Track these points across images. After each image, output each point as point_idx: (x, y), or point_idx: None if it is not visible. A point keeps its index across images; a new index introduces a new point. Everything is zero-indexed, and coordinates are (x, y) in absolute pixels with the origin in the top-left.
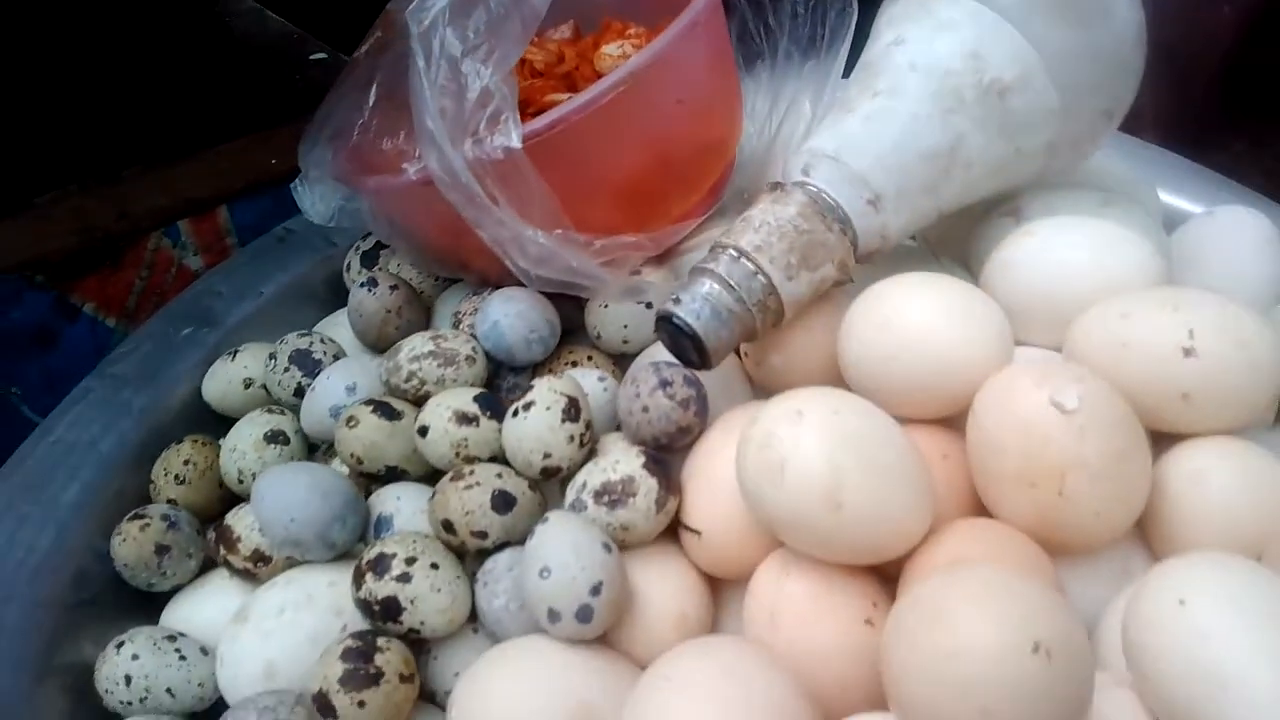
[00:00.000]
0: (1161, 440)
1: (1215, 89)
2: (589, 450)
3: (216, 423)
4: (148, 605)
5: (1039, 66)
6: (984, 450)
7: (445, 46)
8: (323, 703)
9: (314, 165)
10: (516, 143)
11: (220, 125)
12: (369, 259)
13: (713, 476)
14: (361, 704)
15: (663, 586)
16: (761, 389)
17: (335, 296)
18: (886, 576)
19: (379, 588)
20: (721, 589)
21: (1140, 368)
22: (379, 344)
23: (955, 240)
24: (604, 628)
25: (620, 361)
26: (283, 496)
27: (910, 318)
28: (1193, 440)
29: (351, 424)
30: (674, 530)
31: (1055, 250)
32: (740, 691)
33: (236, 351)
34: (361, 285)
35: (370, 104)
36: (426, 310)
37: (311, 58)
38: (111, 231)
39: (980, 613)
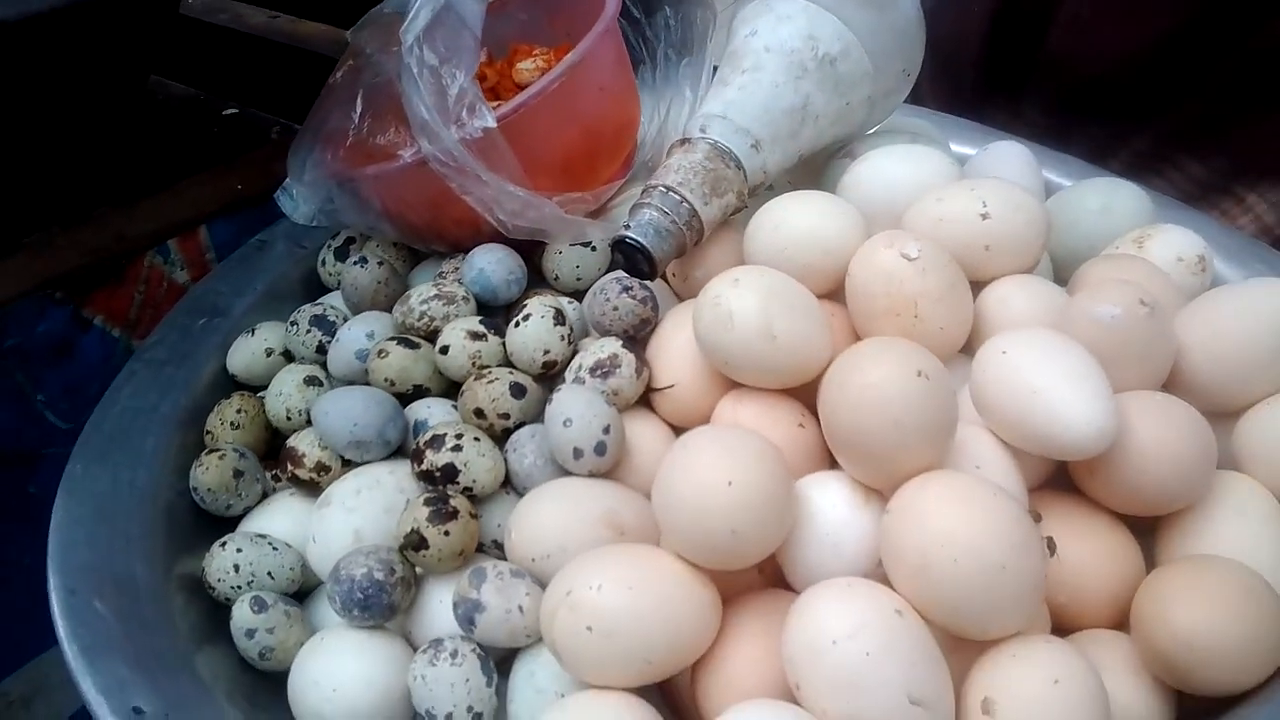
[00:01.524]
0: (976, 288)
1: (979, 71)
2: (573, 348)
3: (238, 390)
4: (221, 531)
5: (855, 41)
6: (860, 297)
7: (425, 59)
8: (416, 539)
9: (310, 168)
10: (492, 123)
11: (163, 169)
12: (341, 253)
13: (670, 351)
14: (446, 533)
15: (646, 435)
16: (686, 298)
17: (310, 288)
18: (807, 404)
19: (438, 458)
20: None
21: (955, 231)
22: (370, 310)
23: (810, 183)
24: (614, 460)
25: (575, 297)
26: (345, 408)
27: (795, 220)
28: (997, 280)
29: (383, 355)
30: (645, 400)
31: (884, 169)
32: (734, 440)
33: (254, 329)
34: (354, 264)
35: (359, 112)
36: (403, 282)
37: (224, 113)
38: (113, 252)
39: (881, 357)
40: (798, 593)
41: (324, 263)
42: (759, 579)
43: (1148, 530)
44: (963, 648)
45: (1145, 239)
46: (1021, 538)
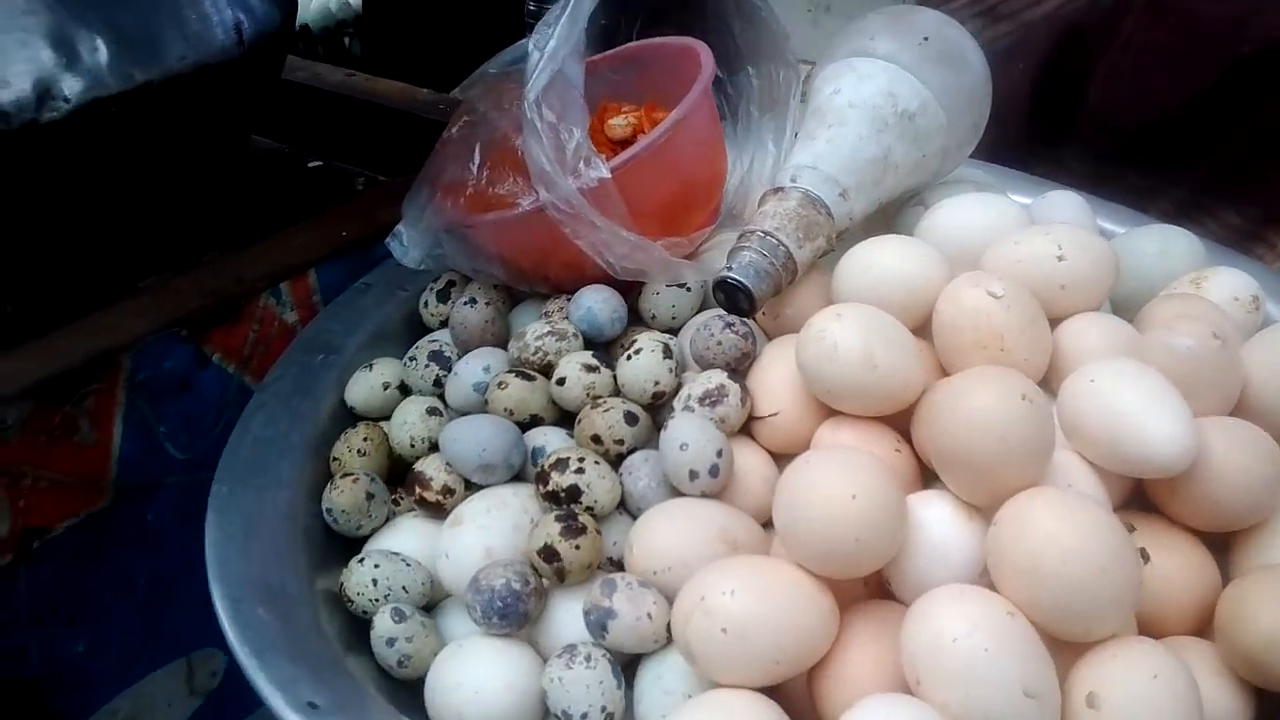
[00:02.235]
0: (1051, 324)
1: (1024, 124)
2: (679, 380)
3: (355, 422)
4: (350, 553)
5: (931, 98)
6: (948, 331)
7: (545, 117)
8: (549, 552)
9: (428, 215)
10: (607, 174)
11: (264, 218)
12: (442, 295)
13: (768, 383)
14: (577, 547)
15: (748, 460)
16: (775, 335)
17: (412, 329)
18: (900, 430)
19: (563, 479)
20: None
21: (1032, 271)
22: (479, 347)
23: (882, 229)
24: (725, 481)
25: (670, 334)
26: (474, 435)
27: (883, 261)
28: (1072, 316)
29: (502, 386)
30: (744, 429)
31: (959, 215)
32: (853, 459)
33: (371, 364)
34: (464, 304)
35: (477, 164)
36: (506, 321)
37: (309, 165)
38: (231, 294)
39: (988, 383)
40: (903, 603)
41: (426, 304)
42: (864, 590)
43: (1221, 547)
44: (1064, 650)
45: (1202, 280)
46: (1119, 546)
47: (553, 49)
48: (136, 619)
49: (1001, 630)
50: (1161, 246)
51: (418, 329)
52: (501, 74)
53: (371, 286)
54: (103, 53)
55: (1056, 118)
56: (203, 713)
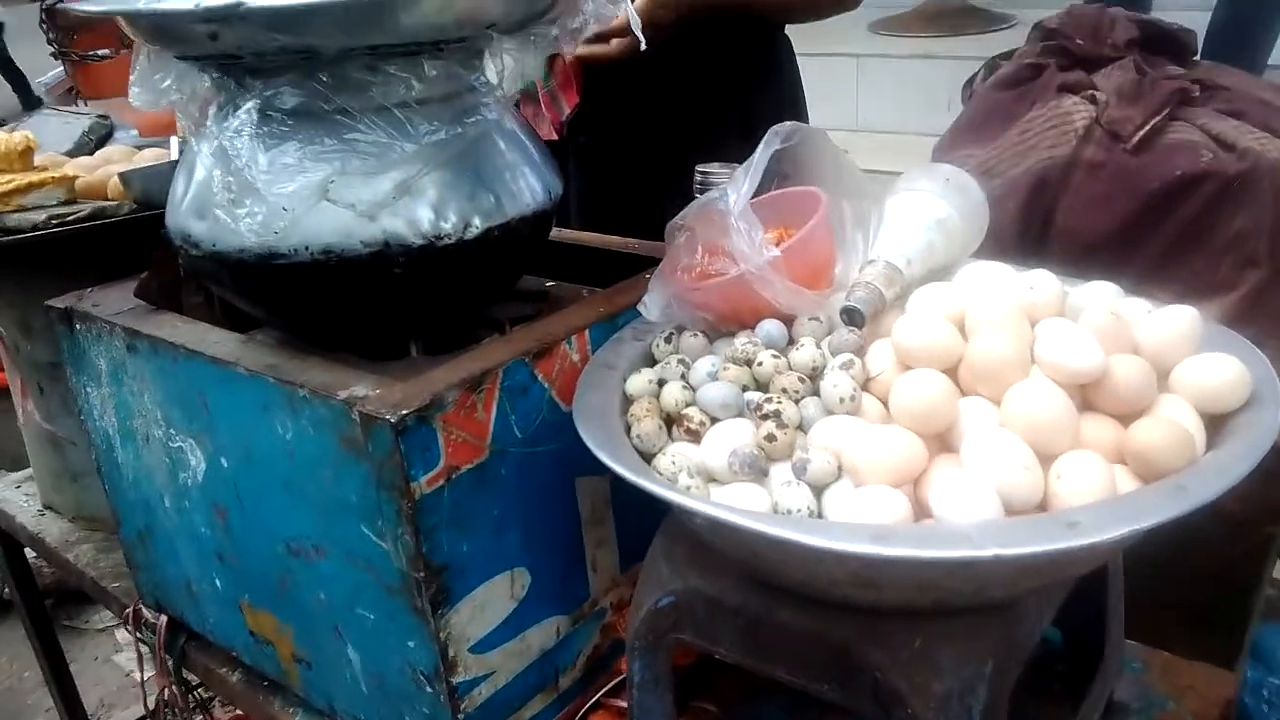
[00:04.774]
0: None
1: (1013, 247)
2: (825, 362)
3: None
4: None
5: (954, 212)
6: (979, 326)
7: (741, 225)
8: (770, 437)
9: (664, 285)
10: (778, 254)
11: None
12: (668, 339)
13: (873, 362)
14: (785, 433)
15: (866, 402)
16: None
17: (646, 360)
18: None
19: (771, 408)
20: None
21: (1017, 295)
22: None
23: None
24: (859, 406)
25: None
26: (718, 391)
27: (930, 296)
28: (1042, 320)
29: (727, 370)
30: (862, 386)
31: (977, 270)
32: (929, 373)
33: (641, 370)
34: (691, 336)
35: (700, 253)
36: (711, 346)
37: (546, 285)
38: (548, 342)
39: (997, 333)
40: (955, 451)
41: (657, 345)
42: (938, 446)
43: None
44: (1044, 461)
45: (1118, 306)
46: (1065, 404)
47: (744, 192)
48: (490, 537)
49: (1010, 440)
50: (1097, 289)
51: (650, 360)
52: (700, 210)
53: (621, 339)
54: (491, 201)
55: (1035, 240)
56: (515, 612)
